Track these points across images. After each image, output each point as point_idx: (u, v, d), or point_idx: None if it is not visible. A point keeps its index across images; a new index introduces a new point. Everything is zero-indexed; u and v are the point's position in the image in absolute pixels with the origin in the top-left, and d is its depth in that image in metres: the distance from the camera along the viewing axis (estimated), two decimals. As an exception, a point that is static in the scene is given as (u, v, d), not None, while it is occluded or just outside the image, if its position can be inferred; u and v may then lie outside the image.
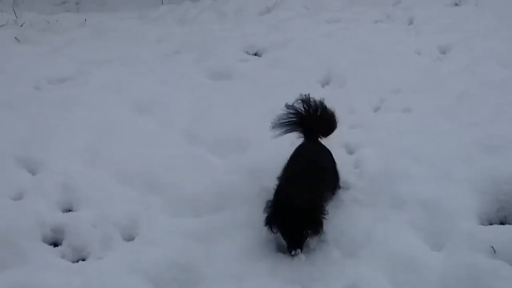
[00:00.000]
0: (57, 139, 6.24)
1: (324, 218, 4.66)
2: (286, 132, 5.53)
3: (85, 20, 10.05)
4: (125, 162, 5.96)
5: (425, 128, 6.40)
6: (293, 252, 4.61)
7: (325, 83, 7.77)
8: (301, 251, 4.62)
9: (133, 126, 6.71)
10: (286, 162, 5.22)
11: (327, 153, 5.43)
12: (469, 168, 5.48)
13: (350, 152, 6.28)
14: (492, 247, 4.52)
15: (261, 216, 4.94)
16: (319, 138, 5.58)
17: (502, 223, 4.99)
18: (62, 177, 5.62)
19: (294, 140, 6.31)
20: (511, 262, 4.41)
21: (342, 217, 4.87)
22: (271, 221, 4.70)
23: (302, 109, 5.44)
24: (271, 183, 5.12)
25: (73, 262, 4.88)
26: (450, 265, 4.51)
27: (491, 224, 4.99)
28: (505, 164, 5.36)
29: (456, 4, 10.00)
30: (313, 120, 5.45)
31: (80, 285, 4.46)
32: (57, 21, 10.05)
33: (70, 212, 5.34)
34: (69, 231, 5.06)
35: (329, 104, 5.57)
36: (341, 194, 5.43)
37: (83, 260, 4.90)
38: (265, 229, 4.82)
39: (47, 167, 5.78)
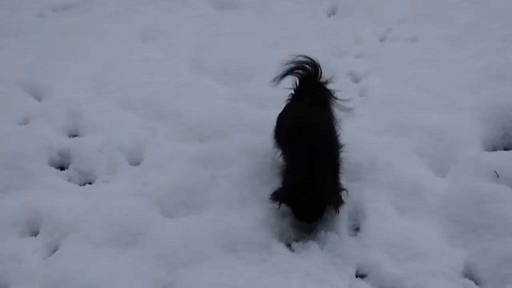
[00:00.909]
0: (62, 66, 6.25)
1: (343, 201, 4.32)
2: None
3: None
4: (131, 90, 5.98)
5: (431, 57, 6.38)
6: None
7: (332, 12, 7.73)
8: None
9: (138, 54, 6.71)
10: (288, 127, 4.72)
11: (331, 118, 4.87)
12: (475, 96, 5.48)
13: (356, 81, 6.27)
14: (495, 171, 4.54)
15: (266, 143, 4.97)
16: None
17: (506, 149, 5.01)
18: (67, 103, 5.64)
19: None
20: (514, 186, 4.45)
21: (348, 144, 4.86)
22: (283, 201, 4.32)
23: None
24: (276, 111, 5.12)
25: (80, 185, 4.94)
26: (454, 190, 4.53)
27: (495, 150, 5.01)
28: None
29: None
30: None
31: (88, 207, 4.50)
32: None
33: (76, 137, 5.38)
34: (75, 155, 5.11)
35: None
36: (347, 122, 5.43)
37: (90, 183, 4.96)
38: (269, 155, 4.84)
39: (52, 93, 5.81)
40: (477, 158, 4.78)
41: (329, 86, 4.91)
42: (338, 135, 4.69)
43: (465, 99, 5.50)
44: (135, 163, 5.14)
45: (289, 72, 4.88)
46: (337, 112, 4.92)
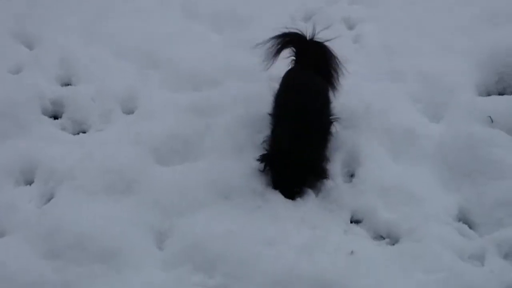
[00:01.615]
0: (54, 15, 6.17)
1: (326, 169, 4.31)
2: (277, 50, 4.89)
3: None
4: (124, 38, 5.90)
5: (426, 2, 6.30)
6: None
7: (326, -43, 7.58)
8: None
9: (131, 2, 6.61)
10: (279, 92, 4.64)
11: (323, 84, 4.71)
12: (471, 41, 5.46)
13: (350, 27, 6.22)
14: (490, 116, 4.55)
15: (260, 91, 4.96)
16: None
17: (500, 94, 5.01)
18: (60, 52, 5.58)
19: (292, 13, 6.27)
20: (508, 131, 4.47)
21: (342, 90, 4.84)
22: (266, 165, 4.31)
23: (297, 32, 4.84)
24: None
25: (74, 134, 4.92)
26: (448, 135, 4.55)
27: (489, 95, 5.01)
28: (507, 36, 5.32)
29: None
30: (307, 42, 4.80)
31: (82, 156, 4.49)
32: None
33: (69, 86, 5.33)
34: (69, 104, 5.07)
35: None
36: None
37: (84, 132, 4.94)
38: (263, 103, 4.83)
39: (44, 42, 5.74)
40: (471, 103, 4.80)
41: (326, 49, 4.79)
42: (330, 101, 4.63)
43: (460, 44, 5.49)
44: (129, 111, 5.11)
45: (278, 45, 4.84)
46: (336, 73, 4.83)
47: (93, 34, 5.95)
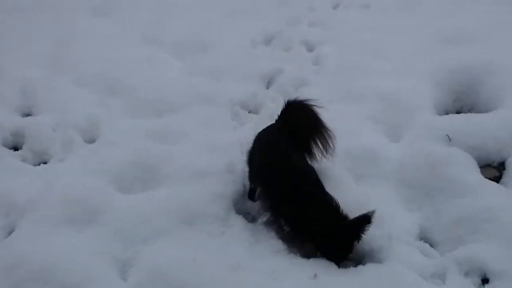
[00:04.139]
0: (14, 45, 6.18)
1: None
2: None
3: None
4: (84, 66, 5.93)
5: (384, 23, 6.44)
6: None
7: (285, -19, 7.68)
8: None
9: (91, 30, 6.65)
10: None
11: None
12: (428, 61, 5.56)
13: (310, 49, 6.30)
14: (448, 135, 4.60)
15: (220, 116, 4.98)
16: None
17: (458, 113, 5.09)
18: (20, 83, 5.58)
19: (253, 37, 6.32)
20: (465, 148, 4.52)
21: (302, 113, 4.86)
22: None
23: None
24: (232, 83, 5.11)
25: (35, 165, 4.88)
26: (408, 155, 4.59)
27: (447, 114, 5.08)
28: (462, 56, 5.45)
29: None
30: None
31: (43, 188, 4.44)
32: None
33: (29, 116, 5.31)
34: (29, 135, 5.04)
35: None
36: (302, 91, 5.43)
37: (45, 163, 4.90)
38: (223, 128, 4.84)
39: (4, 73, 5.74)
40: (430, 122, 4.86)
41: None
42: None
43: (418, 64, 5.58)
44: (91, 140, 5.09)
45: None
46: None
47: (54, 63, 5.96)
